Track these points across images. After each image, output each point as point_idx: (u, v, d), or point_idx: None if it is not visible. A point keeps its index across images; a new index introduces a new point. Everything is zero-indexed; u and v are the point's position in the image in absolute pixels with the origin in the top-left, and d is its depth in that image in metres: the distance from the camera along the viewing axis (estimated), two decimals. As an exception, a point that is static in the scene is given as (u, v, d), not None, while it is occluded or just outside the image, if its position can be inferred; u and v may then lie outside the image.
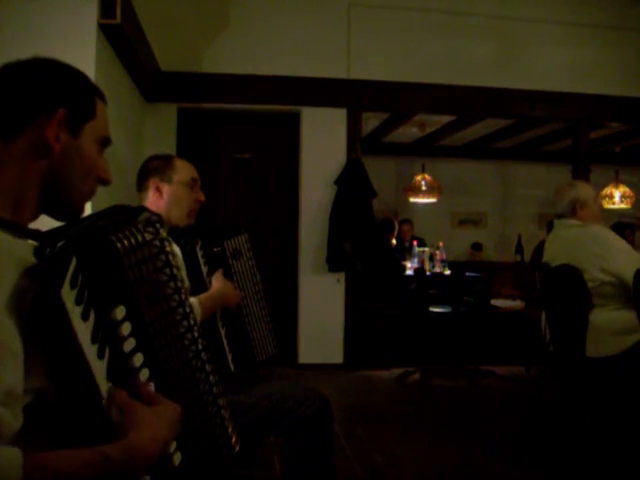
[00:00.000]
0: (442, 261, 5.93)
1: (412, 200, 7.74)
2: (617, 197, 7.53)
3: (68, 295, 0.82)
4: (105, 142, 1.07)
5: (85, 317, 0.85)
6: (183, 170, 2.04)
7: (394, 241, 6.53)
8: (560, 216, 3.03)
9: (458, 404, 4.23)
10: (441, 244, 6.11)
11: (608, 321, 2.73)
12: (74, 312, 0.83)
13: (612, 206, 7.52)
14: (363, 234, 5.12)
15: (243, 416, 1.66)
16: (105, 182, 1.08)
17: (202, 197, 2.07)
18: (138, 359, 0.94)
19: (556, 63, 5.46)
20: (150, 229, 1.00)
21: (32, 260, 0.85)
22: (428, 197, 7.56)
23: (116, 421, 0.87)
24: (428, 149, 8.10)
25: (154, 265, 1.00)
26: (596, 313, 2.77)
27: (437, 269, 5.85)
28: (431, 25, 5.32)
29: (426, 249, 6.08)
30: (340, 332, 5.18)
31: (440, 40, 5.32)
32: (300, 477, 1.82)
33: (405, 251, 6.48)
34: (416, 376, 5.03)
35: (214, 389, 1.11)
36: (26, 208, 0.98)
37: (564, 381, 3.15)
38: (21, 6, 3.13)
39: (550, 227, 3.31)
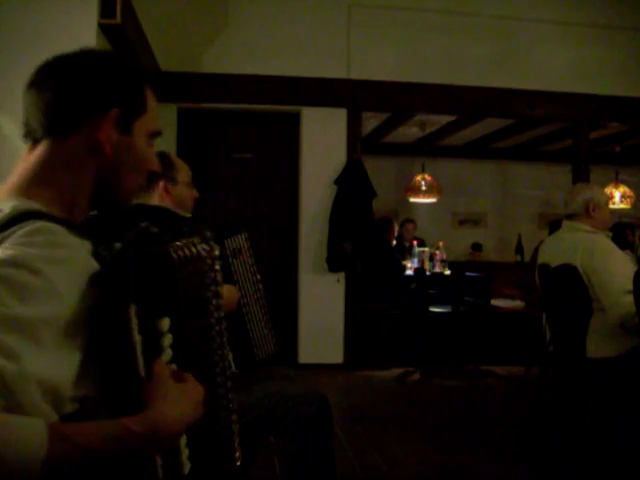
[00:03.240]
0: (442, 261, 5.93)
1: (412, 200, 7.74)
2: (617, 197, 7.53)
3: (132, 310, 0.84)
4: (155, 134, 1.06)
5: (141, 330, 0.86)
6: (183, 170, 2.06)
7: (394, 241, 6.53)
8: (571, 216, 3.02)
9: (458, 404, 4.23)
10: (441, 244, 6.11)
11: (609, 322, 2.73)
12: (136, 339, 0.84)
13: (612, 206, 7.51)
14: (363, 234, 5.12)
15: (243, 416, 1.66)
16: (154, 175, 1.09)
17: (197, 195, 2.12)
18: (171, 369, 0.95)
19: (556, 63, 5.46)
20: (205, 246, 1.00)
21: (94, 263, 0.86)
22: (428, 197, 7.56)
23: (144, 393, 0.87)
24: (428, 149, 8.09)
25: (203, 281, 1.01)
26: (597, 314, 2.76)
27: (437, 269, 5.85)
28: (431, 25, 5.32)
29: (426, 249, 6.08)
30: (340, 332, 5.18)
31: (440, 40, 5.32)
32: (300, 477, 1.82)
33: (405, 251, 6.47)
34: (416, 376, 5.03)
35: (230, 405, 1.12)
36: (79, 208, 0.98)
37: (564, 381, 3.15)
38: (21, 6, 3.13)
39: (553, 227, 3.30)
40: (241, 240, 2.12)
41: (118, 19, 3.25)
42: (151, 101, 1.05)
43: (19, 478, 0.71)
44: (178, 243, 0.94)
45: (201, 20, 5.05)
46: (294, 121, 5.27)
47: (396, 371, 5.09)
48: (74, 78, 0.97)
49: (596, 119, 5.72)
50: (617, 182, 7.69)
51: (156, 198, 2.01)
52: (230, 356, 1.15)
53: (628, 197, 7.60)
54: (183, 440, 0.96)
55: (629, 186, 7.72)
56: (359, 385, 4.72)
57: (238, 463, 1.14)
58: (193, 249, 0.97)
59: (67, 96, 0.96)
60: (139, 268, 0.86)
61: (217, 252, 1.04)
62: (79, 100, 0.96)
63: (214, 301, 1.05)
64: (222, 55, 5.04)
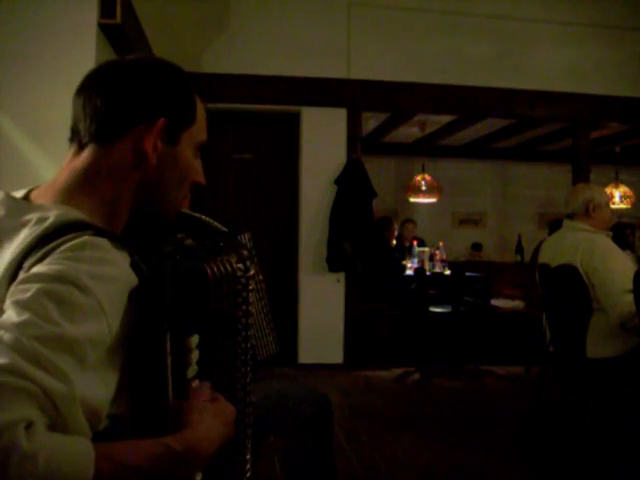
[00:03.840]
0: (442, 261, 5.93)
1: (412, 200, 7.74)
2: (617, 197, 7.53)
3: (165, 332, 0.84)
4: (202, 145, 1.06)
5: (172, 349, 0.86)
6: None
7: (394, 241, 6.53)
8: (571, 215, 3.03)
9: (458, 404, 4.23)
10: (441, 244, 6.12)
11: (609, 322, 2.73)
12: (168, 357, 0.85)
13: (612, 206, 7.50)
14: (363, 234, 5.12)
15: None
16: (201, 186, 1.07)
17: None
18: (195, 384, 0.95)
19: (556, 63, 5.47)
20: (241, 265, 0.99)
21: (134, 277, 0.85)
22: (428, 197, 7.56)
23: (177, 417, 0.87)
24: (428, 149, 8.09)
25: (235, 300, 1.00)
26: (597, 314, 2.76)
27: (437, 269, 5.85)
28: (431, 25, 5.32)
29: (426, 249, 6.08)
30: (340, 332, 5.18)
31: (440, 40, 5.32)
32: (300, 477, 1.81)
33: (405, 251, 6.48)
34: (416, 376, 5.03)
35: (247, 420, 1.12)
36: (120, 218, 0.97)
37: (564, 381, 3.15)
38: (21, 6, 3.12)
39: (553, 227, 3.31)
40: (244, 240, 2.12)
41: (118, 19, 3.25)
42: (200, 111, 1.04)
43: None
44: (214, 261, 0.93)
45: (201, 20, 5.05)
46: (294, 121, 5.27)
47: (396, 371, 5.09)
48: (124, 84, 0.96)
49: (596, 119, 5.72)
50: (617, 182, 7.69)
51: None
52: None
53: (628, 197, 7.60)
54: None
55: (629, 186, 7.72)
56: (359, 385, 4.72)
57: (249, 475, 1.15)
58: (229, 267, 0.95)
59: (116, 102, 0.95)
60: (175, 285, 0.85)
61: (252, 272, 1.02)
62: (127, 107, 0.95)
63: (243, 320, 1.04)
64: (222, 55, 5.04)
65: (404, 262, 6.13)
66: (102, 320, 0.79)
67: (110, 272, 0.82)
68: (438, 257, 5.93)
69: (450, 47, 5.32)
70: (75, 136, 0.98)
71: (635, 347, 2.70)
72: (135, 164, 0.95)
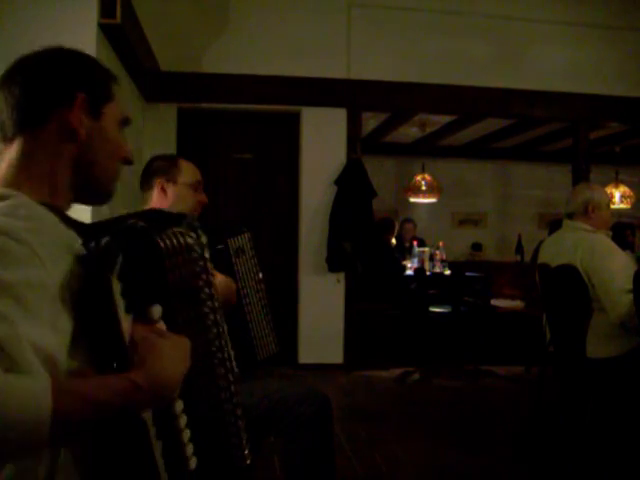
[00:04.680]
0: (442, 261, 5.93)
1: (412, 200, 7.74)
2: (617, 197, 7.53)
3: (115, 285, 0.86)
4: (125, 122, 1.11)
5: (128, 310, 0.89)
6: (188, 172, 2.04)
7: (394, 241, 6.53)
8: (571, 215, 3.03)
9: (458, 404, 4.23)
10: (441, 244, 6.11)
11: (609, 322, 2.73)
12: (119, 305, 0.87)
13: (612, 206, 7.50)
14: (363, 234, 5.12)
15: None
16: (128, 162, 1.12)
17: (205, 199, 2.07)
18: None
19: (556, 63, 5.47)
20: (192, 234, 1.02)
21: (80, 249, 0.89)
22: (428, 197, 7.56)
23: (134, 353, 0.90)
24: (428, 149, 8.09)
25: (192, 270, 1.02)
26: (597, 314, 2.76)
27: (437, 269, 5.85)
28: (431, 25, 5.32)
29: (426, 249, 6.08)
30: (340, 332, 5.18)
31: (440, 40, 5.32)
32: (300, 477, 1.82)
33: (405, 251, 6.47)
34: (416, 376, 5.03)
35: (234, 399, 1.12)
36: (60, 194, 1.01)
37: (564, 381, 3.15)
38: (21, 6, 3.13)
39: (553, 227, 3.30)
40: (244, 240, 2.12)
41: (118, 19, 3.25)
42: (117, 91, 1.09)
43: (30, 440, 0.72)
44: (165, 233, 0.96)
45: (201, 20, 5.05)
46: (294, 121, 5.26)
47: (396, 371, 5.09)
48: (38, 71, 1.02)
49: (596, 119, 5.72)
50: (617, 182, 7.69)
51: (154, 197, 2.01)
52: (232, 353, 1.15)
53: (628, 197, 7.60)
54: (186, 434, 0.97)
55: (629, 186, 7.72)
56: (359, 385, 4.72)
57: (248, 461, 1.14)
58: (181, 239, 0.99)
59: (33, 88, 1.00)
60: (127, 256, 0.88)
61: (204, 240, 1.05)
62: (45, 90, 1.00)
63: (206, 290, 1.05)
64: (222, 55, 5.04)
65: (404, 262, 6.13)
66: (39, 267, 0.82)
67: (44, 227, 0.88)
68: (438, 257, 5.93)
69: (450, 47, 5.32)
70: (3, 131, 1.02)
71: (635, 347, 2.70)
72: (66, 140, 1.00)
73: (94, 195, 1.08)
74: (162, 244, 0.94)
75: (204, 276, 1.05)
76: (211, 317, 1.07)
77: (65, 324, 0.85)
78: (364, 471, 2.93)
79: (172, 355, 0.91)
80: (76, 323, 0.87)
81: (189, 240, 1.01)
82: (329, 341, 5.17)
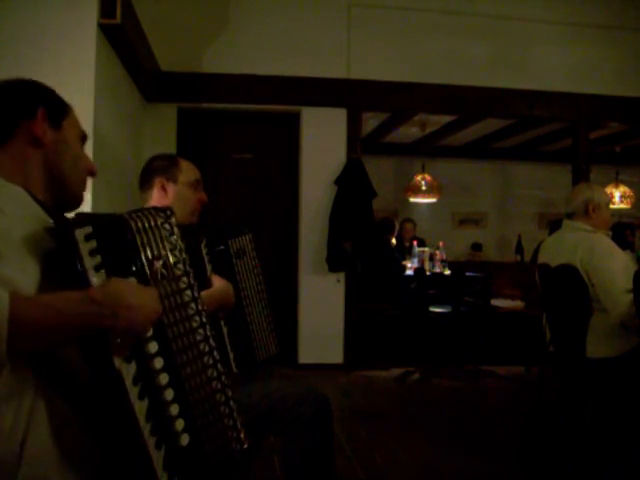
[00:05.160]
0: (442, 261, 5.93)
1: (412, 200, 7.74)
2: (617, 197, 7.53)
3: (83, 244, 0.95)
4: (84, 138, 1.26)
5: (98, 268, 0.98)
6: (188, 171, 2.04)
7: (394, 241, 6.53)
8: (571, 215, 3.03)
9: (458, 404, 4.23)
10: (441, 244, 6.11)
11: (609, 322, 2.73)
12: (84, 255, 0.96)
13: (612, 206, 7.51)
14: (363, 234, 5.12)
15: (243, 416, 1.66)
16: (92, 173, 1.26)
17: (205, 198, 2.07)
18: None
19: (556, 63, 5.46)
20: (161, 214, 1.10)
21: (51, 224, 1.00)
22: (428, 197, 7.56)
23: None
24: (428, 149, 8.09)
25: (162, 245, 1.09)
26: (597, 314, 2.76)
27: (437, 269, 5.85)
28: (431, 25, 5.32)
29: (426, 249, 6.08)
30: (340, 332, 5.18)
31: (440, 40, 5.32)
32: (300, 477, 1.82)
33: (405, 251, 6.47)
34: (416, 376, 5.03)
35: (222, 377, 1.15)
36: (33, 191, 1.12)
37: (564, 381, 3.15)
38: (21, 6, 3.12)
39: (553, 226, 3.30)
40: (245, 241, 2.12)
41: (118, 19, 3.25)
42: (72, 113, 1.24)
43: None
44: (134, 213, 1.06)
45: (201, 20, 5.05)
46: (294, 121, 5.26)
47: (396, 371, 5.09)
48: (3, 93, 1.16)
49: (596, 119, 5.72)
50: (617, 182, 7.69)
51: (154, 196, 2.01)
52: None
53: (628, 197, 7.60)
54: (175, 408, 1.01)
55: (629, 186, 7.72)
56: (359, 385, 4.72)
57: (245, 445, 1.14)
58: (151, 218, 1.07)
59: (1, 108, 1.14)
60: (101, 235, 0.97)
61: (174, 219, 1.12)
62: (11, 107, 1.15)
63: (180, 266, 1.10)
64: (222, 55, 5.04)
65: (404, 262, 6.13)
66: (2, 219, 0.96)
67: (12, 193, 1.05)
68: (438, 257, 5.93)
69: (450, 47, 5.32)
70: None
71: (635, 347, 2.70)
72: (32, 147, 1.14)
73: (63, 201, 1.19)
74: (132, 222, 1.04)
75: (177, 253, 1.11)
76: (188, 293, 1.12)
77: (33, 269, 0.97)
78: (364, 471, 2.93)
79: (139, 293, 1.00)
80: (44, 271, 0.97)
81: (159, 220, 1.09)
82: (329, 341, 5.17)
